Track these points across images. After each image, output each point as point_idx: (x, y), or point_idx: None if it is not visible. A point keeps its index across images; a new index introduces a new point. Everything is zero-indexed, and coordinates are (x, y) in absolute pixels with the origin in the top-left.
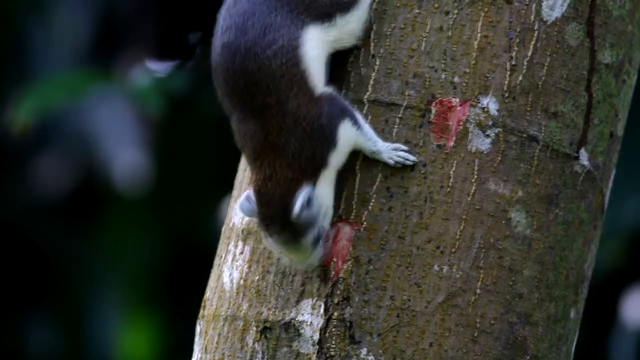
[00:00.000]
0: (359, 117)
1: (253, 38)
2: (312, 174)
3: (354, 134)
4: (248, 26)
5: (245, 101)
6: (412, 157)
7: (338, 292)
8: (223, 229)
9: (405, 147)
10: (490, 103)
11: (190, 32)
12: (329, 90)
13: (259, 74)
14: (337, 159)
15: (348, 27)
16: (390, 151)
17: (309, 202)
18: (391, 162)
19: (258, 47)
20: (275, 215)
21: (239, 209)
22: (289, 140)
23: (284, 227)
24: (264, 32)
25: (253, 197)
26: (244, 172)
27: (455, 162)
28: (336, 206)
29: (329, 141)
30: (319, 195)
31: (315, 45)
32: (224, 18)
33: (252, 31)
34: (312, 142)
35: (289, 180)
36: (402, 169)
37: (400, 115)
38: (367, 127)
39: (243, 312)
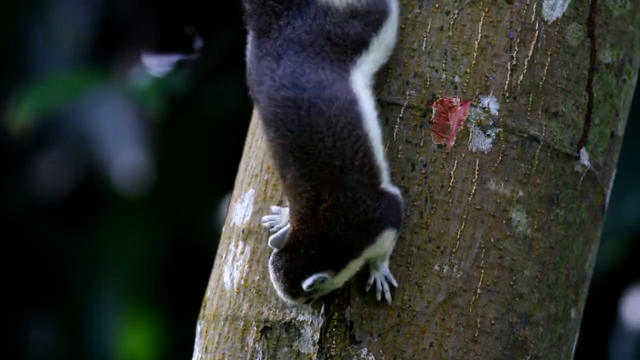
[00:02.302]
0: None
1: (314, 93)
2: (341, 263)
3: (387, 247)
4: (303, 82)
5: (309, 157)
6: (388, 296)
7: (338, 292)
8: (223, 229)
9: (394, 283)
10: (491, 103)
11: (187, 26)
12: (396, 190)
13: (326, 131)
14: (368, 254)
15: (384, 43)
16: (382, 275)
17: (319, 282)
18: (371, 282)
19: (322, 103)
20: (285, 275)
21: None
22: (336, 223)
23: (286, 289)
24: (321, 88)
25: (284, 239)
26: (245, 172)
27: (455, 162)
28: None
29: (370, 237)
30: (334, 282)
31: (368, 95)
32: (272, 79)
33: (308, 87)
34: (355, 232)
35: (315, 261)
36: (403, 168)
37: (400, 115)
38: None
39: (243, 312)
